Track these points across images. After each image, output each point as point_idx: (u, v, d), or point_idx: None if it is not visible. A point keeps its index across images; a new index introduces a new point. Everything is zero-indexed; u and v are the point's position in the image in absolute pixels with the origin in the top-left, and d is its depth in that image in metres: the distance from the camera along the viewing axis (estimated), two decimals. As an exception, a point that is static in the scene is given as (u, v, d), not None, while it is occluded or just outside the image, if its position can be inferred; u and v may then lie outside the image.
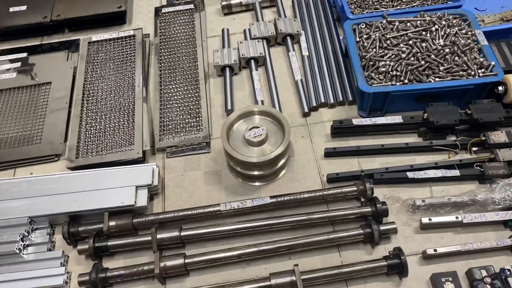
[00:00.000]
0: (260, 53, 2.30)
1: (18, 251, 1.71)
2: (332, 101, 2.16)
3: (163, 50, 2.39)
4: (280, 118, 1.88)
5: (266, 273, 1.68)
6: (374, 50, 2.07)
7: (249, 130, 1.87)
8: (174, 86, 2.25)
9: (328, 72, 2.25)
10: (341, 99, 2.16)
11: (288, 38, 2.40)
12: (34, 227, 1.82)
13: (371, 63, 2.04)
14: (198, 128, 2.11)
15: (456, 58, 2.02)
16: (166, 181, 1.99)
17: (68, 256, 1.80)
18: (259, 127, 1.88)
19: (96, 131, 2.09)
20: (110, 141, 2.05)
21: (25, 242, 1.77)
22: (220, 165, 2.02)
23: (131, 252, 1.80)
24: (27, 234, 1.77)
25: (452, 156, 1.96)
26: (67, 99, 2.24)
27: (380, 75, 2.01)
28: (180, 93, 2.23)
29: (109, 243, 1.75)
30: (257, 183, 1.95)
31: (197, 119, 2.13)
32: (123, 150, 2.00)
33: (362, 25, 2.18)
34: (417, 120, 2.00)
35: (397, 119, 1.99)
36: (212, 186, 1.97)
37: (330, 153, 1.99)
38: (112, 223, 1.78)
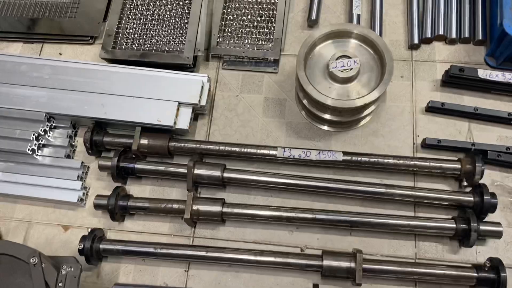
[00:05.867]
0: None
1: (30, 152, 1.43)
2: (453, 35, 1.57)
3: None
4: (383, 50, 1.36)
5: (318, 244, 1.35)
6: (542, -26, 1.42)
7: (337, 59, 1.38)
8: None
9: (459, -7, 1.63)
10: (466, 35, 1.57)
11: None
12: (54, 124, 1.51)
13: (532, -7, 1.42)
14: (268, 37, 1.62)
15: None
16: (217, 99, 1.59)
17: (88, 168, 1.51)
18: (351, 58, 1.38)
19: (142, 17, 1.64)
20: (157, 33, 1.61)
21: (41, 141, 1.47)
22: (286, 93, 1.58)
23: (162, 180, 1.49)
24: (43, 133, 1.46)
25: None
26: (113, -34, 1.76)
27: (540, 15, 1.40)
28: (254, -16, 1.70)
29: (136, 166, 1.43)
30: (328, 127, 1.52)
31: (269, 24, 1.63)
32: (171, 50, 1.57)
33: None
34: None
35: (542, 82, 1.43)
36: (272, 118, 1.55)
37: (434, 109, 1.49)
38: (143, 141, 1.45)
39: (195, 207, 1.36)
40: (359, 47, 1.43)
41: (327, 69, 1.39)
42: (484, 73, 1.45)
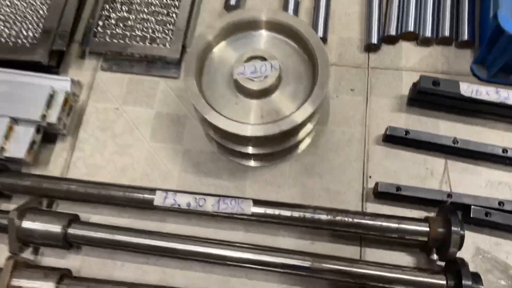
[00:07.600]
0: None
1: None
2: (428, 33, 1.10)
3: None
4: (311, 44, 0.89)
5: None
6: None
7: (245, 61, 0.91)
8: None
9: (437, -26, 1.16)
10: (446, 34, 1.10)
11: None
12: None
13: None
14: (169, 27, 1.14)
15: None
16: (88, 113, 1.10)
17: None
18: (266, 60, 0.90)
19: (-8, -7, 1.17)
20: (9, 16, 1.13)
21: None
22: (189, 107, 1.10)
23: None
24: None
25: None
26: None
27: (553, 4, 0.94)
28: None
29: None
30: (242, 160, 1.04)
31: (171, 9, 1.16)
32: (19, 42, 1.09)
33: None
34: None
35: (553, 103, 0.97)
36: (163, 143, 1.07)
37: (395, 138, 1.02)
38: (-41, 174, 0.96)
39: (15, 283, 0.87)
40: (276, 41, 0.95)
41: (232, 77, 0.91)
42: (469, 89, 0.98)
